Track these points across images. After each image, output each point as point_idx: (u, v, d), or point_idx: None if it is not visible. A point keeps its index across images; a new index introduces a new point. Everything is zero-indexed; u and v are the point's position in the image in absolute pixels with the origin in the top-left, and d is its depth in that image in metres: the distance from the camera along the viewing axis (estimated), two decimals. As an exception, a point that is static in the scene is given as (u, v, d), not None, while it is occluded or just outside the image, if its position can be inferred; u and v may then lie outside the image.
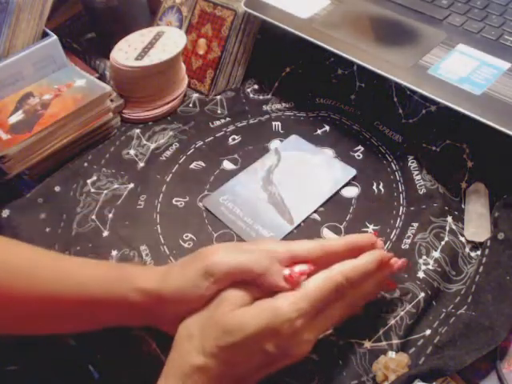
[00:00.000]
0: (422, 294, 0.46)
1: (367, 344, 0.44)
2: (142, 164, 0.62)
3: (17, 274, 0.41)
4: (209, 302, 0.39)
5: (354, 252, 0.42)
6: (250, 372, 0.38)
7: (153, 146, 0.64)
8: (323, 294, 0.39)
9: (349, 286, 0.40)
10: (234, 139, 0.64)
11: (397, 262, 0.44)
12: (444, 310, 0.45)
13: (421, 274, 0.47)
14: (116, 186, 0.60)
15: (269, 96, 0.70)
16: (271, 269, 0.39)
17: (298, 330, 0.37)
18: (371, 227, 0.53)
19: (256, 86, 0.71)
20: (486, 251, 0.48)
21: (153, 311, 0.41)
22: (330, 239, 0.45)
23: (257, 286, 0.39)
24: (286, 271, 0.39)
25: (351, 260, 0.41)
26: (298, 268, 0.40)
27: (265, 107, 0.68)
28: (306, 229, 0.54)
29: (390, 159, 0.60)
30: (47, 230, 0.56)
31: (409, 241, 0.51)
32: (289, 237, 0.53)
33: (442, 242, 0.50)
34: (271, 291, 0.39)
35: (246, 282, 0.39)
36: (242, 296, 0.38)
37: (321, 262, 0.41)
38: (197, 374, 0.36)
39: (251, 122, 0.66)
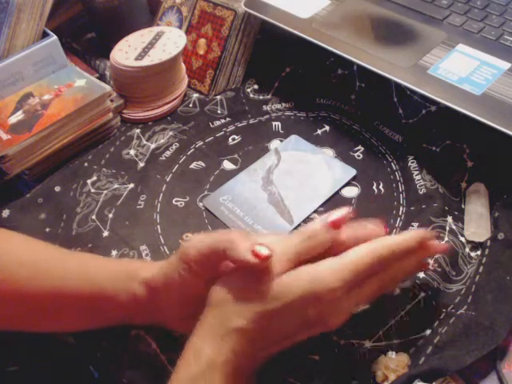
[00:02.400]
0: (422, 294, 0.46)
1: (367, 344, 0.44)
2: (142, 164, 0.62)
3: (22, 267, 0.42)
4: (194, 287, 0.40)
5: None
6: (286, 335, 0.38)
7: (153, 146, 0.64)
8: (366, 265, 0.38)
9: (391, 260, 0.39)
10: (233, 139, 0.64)
11: (439, 244, 0.44)
12: (444, 310, 0.45)
13: (421, 274, 0.47)
14: (116, 186, 0.60)
15: (269, 96, 0.70)
16: (238, 243, 0.38)
17: (338, 299, 0.37)
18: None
19: (256, 86, 0.71)
20: (486, 251, 0.48)
21: (153, 303, 0.42)
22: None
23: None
24: (253, 246, 0.38)
25: (396, 235, 0.41)
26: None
27: (265, 107, 0.68)
28: (306, 229, 0.54)
29: (390, 159, 0.60)
30: (47, 230, 0.56)
31: None
32: (289, 237, 0.53)
33: (442, 242, 0.50)
34: (313, 257, 0.39)
35: (285, 250, 0.38)
36: (282, 264, 0.38)
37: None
38: (235, 336, 0.37)
39: (251, 121, 0.66)
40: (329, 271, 0.37)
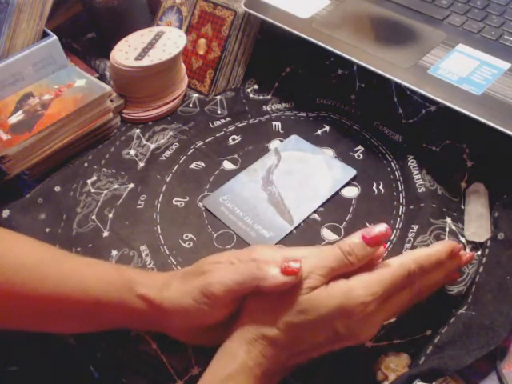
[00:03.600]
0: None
1: (368, 343, 0.44)
2: (142, 164, 0.62)
3: (20, 269, 0.42)
4: (213, 317, 0.40)
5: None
6: (314, 347, 0.39)
7: (153, 146, 0.64)
8: (396, 280, 0.39)
9: (420, 273, 0.40)
10: (234, 139, 0.64)
11: (465, 255, 0.45)
12: (444, 311, 0.45)
13: None
14: (116, 186, 0.60)
15: (269, 96, 0.70)
16: (266, 274, 0.38)
17: (369, 313, 0.38)
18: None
19: (256, 86, 0.71)
20: (486, 251, 0.48)
21: (156, 319, 0.42)
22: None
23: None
24: (281, 265, 0.38)
25: (424, 248, 0.42)
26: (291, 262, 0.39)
27: (265, 107, 0.68)
28: (306, 229, 0.54)
29: (389, 159, 0.60)
30: (47, 230, 0.56)
31: (409, 245, 0.51)
32: (289, 237, 0.53)
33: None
34: (345, 272, 0.39)
35: (320, 264, 0.39)
36: (317, 278, 0.38)
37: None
38: (265, 342, 0.38)
39: (251, 122, 0.66)
40: (360, 286, 0.38)
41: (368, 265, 0.40)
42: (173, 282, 0.42)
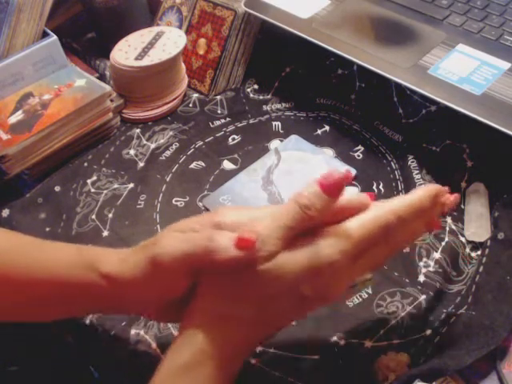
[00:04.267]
0: (423, 296, 0.46)
1: (368, 343, 0.44)
2: (141, 164, 0.62)
3: None
4: (173, 291, 0.36)
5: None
6: (282, 317, 0.36)
7: (153, 145, 0.64)
8: (370, 235, 0.35)
9: (400, 225, 0.36)
10: (233, 139, 0.64)
11: (448, 199, 0.39)
12: (444, 310, 0.45)
13: (421, 278, 0.47)
14: (116, 185, 0.60)
15: (269, 96, 0.70)
16: (218, 246, 0.34)
17: (338, 272, 0.34)
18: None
19: (256, 86, 0.71)
20: (486, 251, 0.48)
21: (119, 297, 0.39)
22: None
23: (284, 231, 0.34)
24: (233, 236, 0.34)
25: (405, 196, 0.37)
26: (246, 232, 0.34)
27: (265, 107, 0.68)
28: (306, 229, 0.54)
29: (389, 159, 0.60)
30: (47, 229, 0.56)
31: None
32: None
33: (443, 243, 0.50)
34: (305, 228, 0.35)
35: (275, 225, 0.34)
36: (275, 243, 0.34)
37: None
38: (229, 322, 0.34)
39: (251, 121, 0.66)
40: (327, 244, 0.34)
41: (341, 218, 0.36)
42: (129, 255, 0.38)
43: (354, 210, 0.37)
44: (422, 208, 0.37)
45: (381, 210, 0.36)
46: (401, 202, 0.37)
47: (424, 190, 0.38)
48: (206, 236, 0.35)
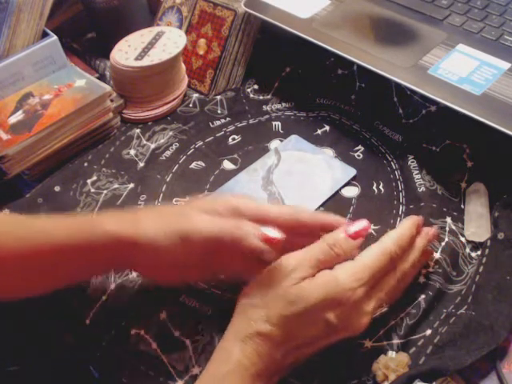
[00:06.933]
0: (423, 296, 0.46)
1: (368, 343, 0.44)
2: (141, 164, 0.62)
3: None
4: (187, 261, 0.42)
5: (324, 229, 0.44)
6: (309, 341, 0.39)
7: (153, 146, 0.64)
8: (380, 264, 0.40)
9: (401, 253, 0.42)
10: (233, 139, 0.64)
11: (430, 231, 0.46)
12: (444, 311, 0.45)
13: (421, 278, 0.47)
14: (116, 185, 0.60)
15: (269, 96, 0.70)
16: (246, 235, 0.40)
17: (358, 300, 0.39)
18: (371, 227, 0.53)
19: (256, 86, 0.71)
20: (486, 251, 0.48)
21: (124, 255, 0.42)
22: (301, 210, 0.46)
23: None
24: (260, 231, 0.40)
25: (395, 229, 0.44)
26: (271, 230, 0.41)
27: (265, 107, 0.68)
28: (306, 229, 0.54)
29: (389, 159, 0.60)
30: (47, 229, 0.56)
31: None
32: (289, 237, 0.53)
33: (443, 243, 0.50)
34: (332, 263, 0.41)
35: (307, 256, 0.41)
36: (305, 270, 0.40)
37: (289, 231, 0.42)
38: (259, 338, 0.38)
39: (251, 121, 0.66)
40: (345, 274, 0.39)
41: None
42: (146, 217, 0.43)
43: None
44: (412, 235, 0.44)
45: (384, 242, 0.42)
46: (396, 233, 0.43)
47: (408, 220, 0.45)
48: (233, 224, 0.41)
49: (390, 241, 0.42)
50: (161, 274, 0.44)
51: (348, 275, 0.39)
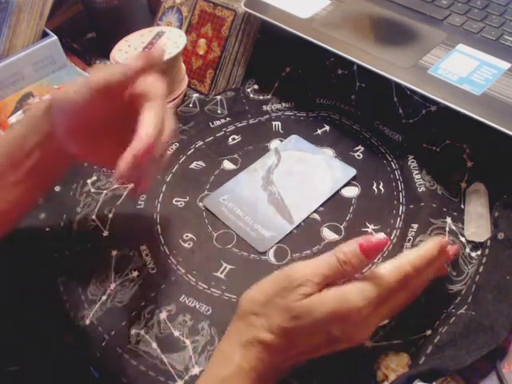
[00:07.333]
0: (423, 296, 0.46)
1: (368, 343, 0.44)
2: (142, 164, 0.62)
3: None
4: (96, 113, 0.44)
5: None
6: (309, 350, 0.39)
7: (153, 145, 0.64)
8: (391, 284, 0.39)
9: (415, 275, 0.40)
10: (233, 139, 0.64)
11: (452, 249, 0.44)
12: (444, 311, 0.45)
13: None
14: (116, 185, 0.60)
15: (269, 96, 0.70)
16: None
17: (364, 317, 0.38)
18: (371, 227, 0.53)
19: (256, 86, 0.71)
20: (486, 251, 0.48)
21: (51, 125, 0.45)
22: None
23: (324, 276, 0.39)
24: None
25: (416, 248, 0.42)
26: None
27: (265, 107, 0.68)
28: (306, 228, 0.54)
29: (389, 159, 0.60)
30: (47, 229, 0.56)
31: (409, 244, 0.51)
32: (289, 236, 0.53)
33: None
34: (339, 279, 0.39)
35: (316, 271, 0.39)
36: (311, 286, 0.38)
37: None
38: (260, 346, 0.38)
39: (251, 121, 0.66)
40: (355, 292, 0.38)
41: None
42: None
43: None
44: (432, 258, 0.41)
45: (399, 262, 0.40)
46: (415, 254, 0.41)
47: (431, 242, 0.42)
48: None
49: (407, 261, 0.40)
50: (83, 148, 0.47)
51: (357, 294, 0.38)
